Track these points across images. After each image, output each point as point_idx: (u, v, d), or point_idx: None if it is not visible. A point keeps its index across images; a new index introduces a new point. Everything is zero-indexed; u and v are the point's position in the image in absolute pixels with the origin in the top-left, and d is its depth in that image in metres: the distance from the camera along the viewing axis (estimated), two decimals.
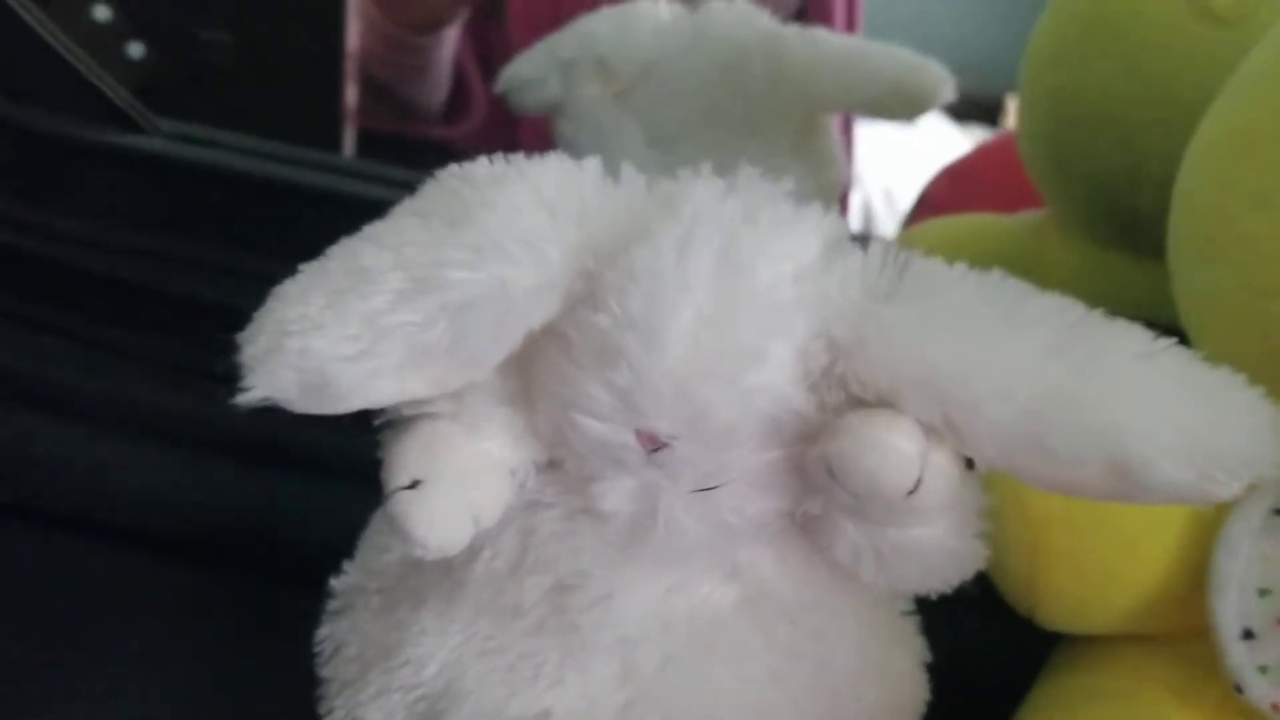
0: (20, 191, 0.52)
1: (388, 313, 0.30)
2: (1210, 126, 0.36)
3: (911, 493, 0.29)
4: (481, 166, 0.33)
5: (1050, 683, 0.41)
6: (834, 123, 0.68)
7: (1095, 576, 0.38)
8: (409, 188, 0.33)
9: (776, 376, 0.30)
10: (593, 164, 0.33)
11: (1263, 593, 0.35)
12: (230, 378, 0.30)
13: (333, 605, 0.38)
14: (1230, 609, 0.35)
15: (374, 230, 0.32)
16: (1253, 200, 0.34)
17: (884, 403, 0.29)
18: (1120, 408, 0.27)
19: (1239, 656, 0.35)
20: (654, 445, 0.30)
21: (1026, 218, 0.62)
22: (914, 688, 0.36)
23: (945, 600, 0.39)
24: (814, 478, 0.30)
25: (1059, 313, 0.29)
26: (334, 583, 0.38)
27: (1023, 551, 0.38)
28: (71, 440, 0.48)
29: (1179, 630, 0.38)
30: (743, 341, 0.29)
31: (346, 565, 0.38)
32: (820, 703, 0.34)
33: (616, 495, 0.32)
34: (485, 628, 0.34)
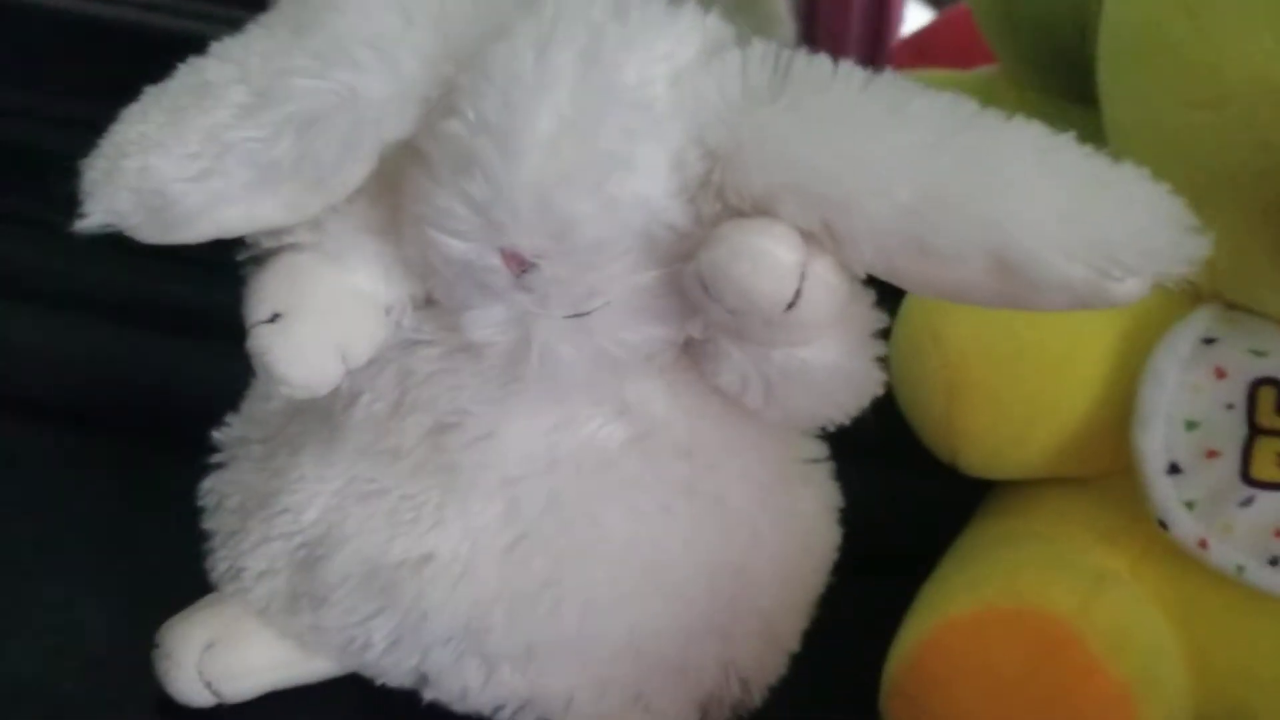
0: None
1: (230, 127, 0.28)
2: None
3: (791, 306, 0.27)
4: None
5: (974, 529, 0.39)
6: None
7: (1016, 412, 0.36)
8: None
9: (648, 186, 0.28)
10: None
11: (1190, 425, 0.34)
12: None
13: (215, 458, 0.36)
14: (1156, 442, 0.34)
15: (221, 45, 0.30)
16: (1180, 4, 0.32)
17: (762, 212, 0.27)
18: (1005, 199, 0.25)
19: (1164, 491, 0.33)
20: (521, 266, 0.28)
21: (980, 73, 0.60)
22: (820, 529, 0.35)
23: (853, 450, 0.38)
24: (692, 296, 0.28)
25: (950, 108, 0.27)
26: (216, 435, 0.36)
27: (939, 389, 0.36)
28: None
29: (1105, 470, 0.36)
30: (607, 146, 0.27)
31: (229, 417, 0.37)
32: (713, 538, 0.32)
33: (487, 324, 0.30)
34: (365, 470, 0.32)
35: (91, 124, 0.30)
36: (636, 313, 0.29)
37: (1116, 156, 0.35)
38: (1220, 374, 0.34)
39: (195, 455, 0.36)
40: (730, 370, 0.30)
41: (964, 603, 0.34)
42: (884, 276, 0.27)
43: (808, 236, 0.27)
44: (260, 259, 0.31)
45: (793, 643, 0.35)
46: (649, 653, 0.32)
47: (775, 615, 0.34)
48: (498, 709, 0.33)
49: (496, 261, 0.28)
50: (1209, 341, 0.34)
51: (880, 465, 0.39)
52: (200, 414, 0.37)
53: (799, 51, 0.28)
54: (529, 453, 0.31)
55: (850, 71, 0.28)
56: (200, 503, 0.36)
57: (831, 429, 0.33)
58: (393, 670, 0.33)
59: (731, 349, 0.29)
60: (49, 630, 0.38)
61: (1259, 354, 0.33)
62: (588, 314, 0.29)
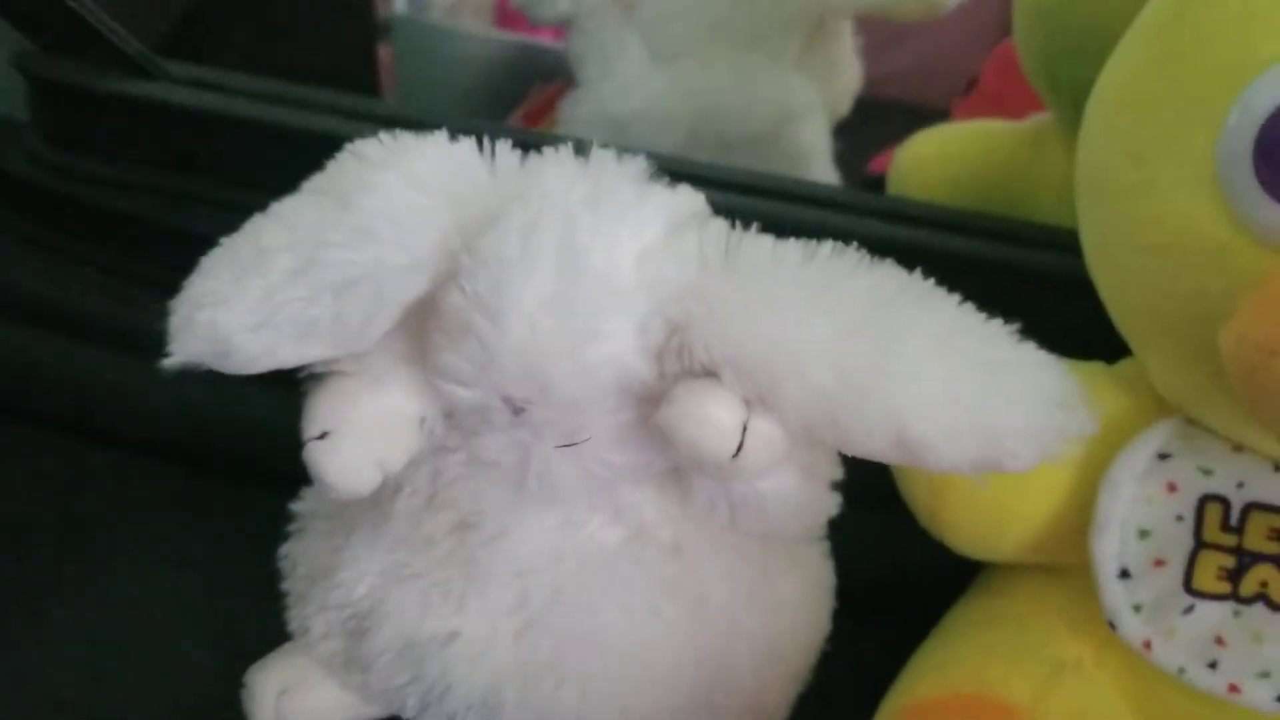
0: (50, 137, 0.57)
1: (280, 289, 0.34)
2: (1101, 77, 0.36)
3: (735, 456, 0.31)
4: (372, 145, 0.35)
5: (961, 605, 0.43)
6: (848, 28, 0.68)
7: (989, 511, 0.39)
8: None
9: (618, 349, 0.32)
10: (467, 144, 0.35)
11: (1143, 534, 0.36)
12: None
13: (292, 526, 0.42)
14: (1110, 548, 0.37)
15: (279, 207, 0.36)
16: (1128, 155, 0.34)
17: (710, 374, 0.31)
18: (904, 388, 0.29)
19: (1114, 594, 0.36)
20: (515, 409, 0.33)
21: (1030, 124, 0.62)
22: (805, 611, 0.39)
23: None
24: (660, 438, 0.33)
25: (868, 293, 0.31)
26: (293, 506, 0.42)
27: (921, 488, 0.40)
28: (94, 361, 0.54)
29: (1076, 562, 0.39)
30: (580, 322, 0.32)
31: (304, 491, 0.42)
32: (696, 630, 0.37)
33: (493, 447, 0.35)
34: (403, 556, 0.38)
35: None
36: (619, 444, 0.34)
37: (1095, 280, 0.38)
38: (1172, 488, 0.36)
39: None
40: (702, 494, 0.34)
41: (931, 684, 0.38)
42: (806, 440, 0.31)
43: (748, 399, 0.31)
44: (315, 378, 0.37)
45: (780, 713, 0.40)
46: None
47: (759, 691, 0.38)
48: None
49: (497, 402, 0.33)
50: (1163, 457, 0.37)
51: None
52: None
53: (747, 233, 0.33)
54: (537, 549, 0.36)
55: (790, 252, 0.32)
56: (279, 565, 0.42)
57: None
58: None
59: (699, 477, 0.34)
60: (156, 668, 0.44)
61: (1206, 472, 0.36)
62: (576, 444, 0.34)
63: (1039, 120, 0.61)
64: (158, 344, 0.35)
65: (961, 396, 0.29)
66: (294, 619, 0.41)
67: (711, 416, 0.31)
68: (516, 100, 0.84)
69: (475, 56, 0.88)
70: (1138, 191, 0.34)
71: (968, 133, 0.63)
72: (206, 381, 0.53)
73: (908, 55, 0.97)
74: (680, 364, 0.32)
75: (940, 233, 0.51)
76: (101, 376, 0.54)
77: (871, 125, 0.77)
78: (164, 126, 0.55)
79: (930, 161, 0.62)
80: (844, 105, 0.71)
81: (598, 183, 0.33)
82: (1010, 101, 0.67)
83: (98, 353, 0.54)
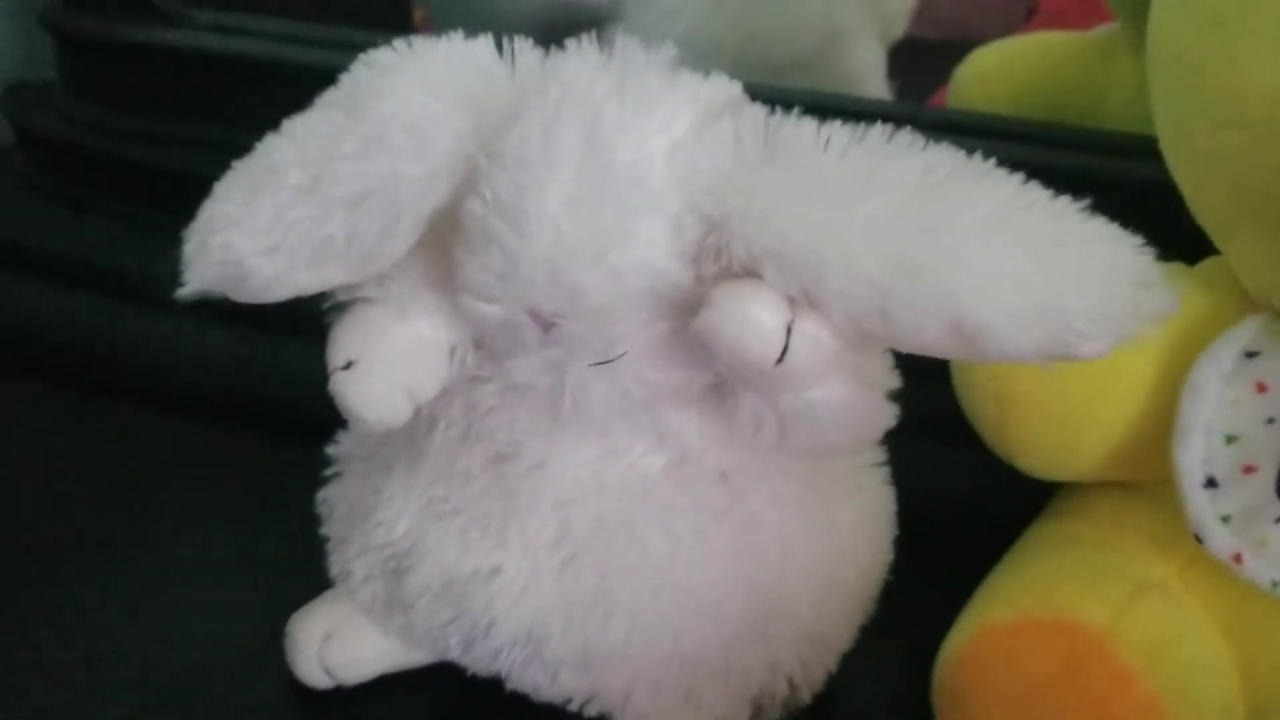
0: (79, 93, 0.56)
1: (291, 207, 0.32)
2: None
3: (780, 361, 0.29)
4: (384, 52, 0.33)
5: (1035, 528, 0.40)
6: None
7: (1063, 422, 0.37)
8: None
9: (650, 252, 0.30)
10: (484, 42, 0.33)
11: (1230, 439, 0.34)
12: None
13: (329, 470, 0.41)
14: (1194, 456, 0.34)
15: (290, 124, 0.34)
16: (1207, 21, 0.32)
17: (751, 274, 0.29)
18: (960, 270, 0.26)
19: (1200, 505, 0.34)
20: (545, 325, 0.31)
21: (1096, 35, 0.59)
22: (863, 541, 0.37)
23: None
24: (698, 349, 0.30)
25: (922, 172, 0.28)
26: (329, 450, 0.41)
27: (989, 400, 0.37)
28: (120, 315, 0.53)
29: (1158, 476, 0.36)
30: (608, 222, 0.29)
31: (339, 434, 0.41)
32: (746, 557, 0.35)
33: (526, 370, 0.33)
34: (441, 492, 0.36)
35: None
36: (656, 359, 0.32)
37: (1169, 163, 0.35)
38: (1261, 388, 0.34)
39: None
40: (745, 410, 0.32)
41: (1004, 610, 0.36)
42: (855, 339, 0.29)
43: (793, 298, 0.29)
44: (340, 308, 0.35)
45: (842, 643, 0.38)
46: (694, 659, 0.35)
47: (816, 621, 0.36)
48: (566, 701, 0.37)
49: (525, 319, 0.31)
50: (1251, 355, 0.34)
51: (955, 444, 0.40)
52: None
53: (787, 117, 0.30)
54: (577, 479, 0.34)
55: (834, 136, 0.29)
56: (318, 510, 0.41)
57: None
58: (474, 666, 0.37)
59: (743, 392, 0.32)
60: (198, 621, 0.43)
61: None
62: (611, 361, 0.32)
63: (1106, 29, 0.58)
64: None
65: (1024, 275, 0.26)
66: (334, 564, 0.40)
67: (753, 317, 0.28)
68: None
69: (513, 13, 0.86)
70: (1217, 61, 0.31)
71: (1031, 45, 0.60)
72: (239, 334, 0.53)
73: None
74: (719, 265, 0.30)
75: (1006, 143, 0.48)
76: (135, 333, 0.53)
77: (927, 66, 0.73)
78: (192, 75, 0.54)
79: (993, 76, 0.59)
80: (897, 27, 0.68)
81: (623, 73, 0.30)
82: (1074, 23, 0.63)
83: (130, 309, 0.53)
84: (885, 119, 0.50)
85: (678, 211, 0.30)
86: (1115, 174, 0.46)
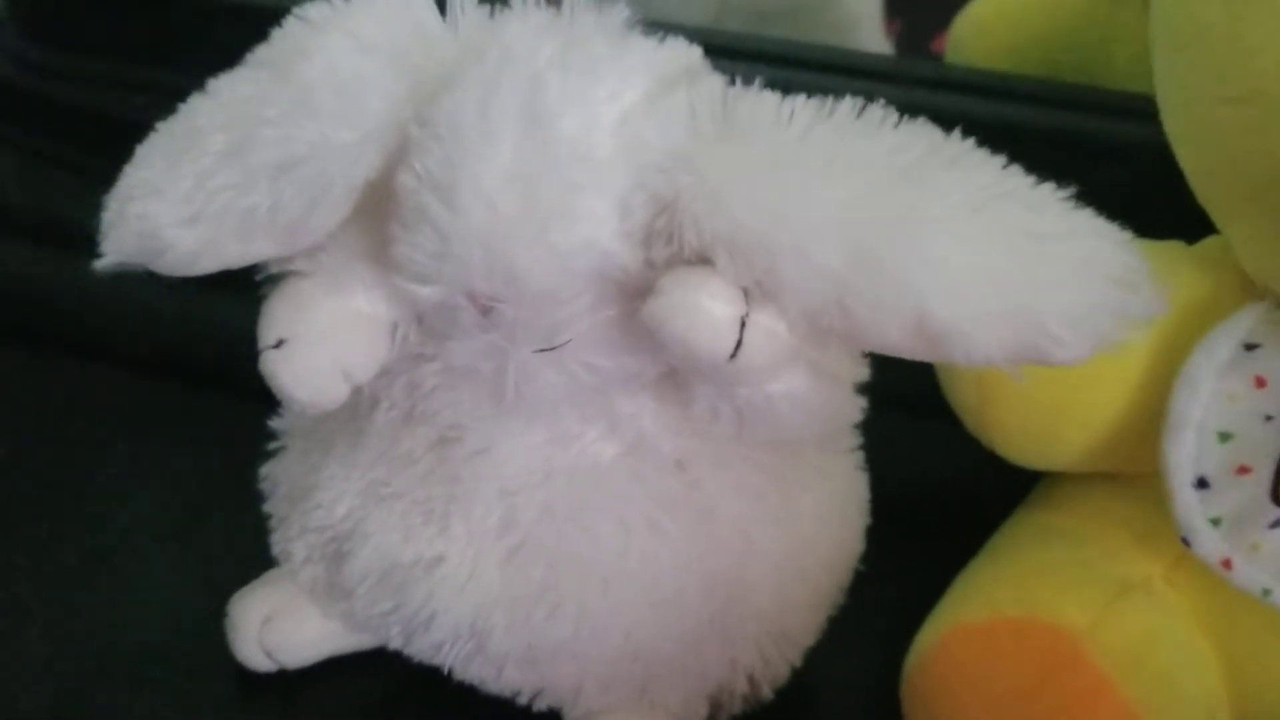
0: (31, 32, 0.53)
1: (212, 175, 0.29)
2: None
3: (734, 356, 0.26)
4: (318, 6, 0.31)
5: (1016, 518, 0.38)
6: None
7: (1047, 411, 0.35)
8: None
9: (595, 233, 0.27)
10: None
11: (1223, 436, 0.32)
12: None
13: (272, 445, 0.39)
14: (1184, 453, 0.32)
15: (216, 83, 0.31)
16: None
17: (703, 260, 0.27)
18: (926, 266, 0.24)
19: (1189, 506, 0.32)
20: (482, 306, 0.29)
21: None
22: (830, 530, 0.35)
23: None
24: (650, 337, 0.28)
25: (889, 156, 0.25)
26: (271, 423, 0.39)
27: (969, 385, 0.35)
28: (80, 272, 0.50)
29: (1145, 470, 0.34)
30: (548, 201, 0.27)
31: (282, 408, 0.39)
32: (704, 549, 0.32)
33: (466, 353, 0.31)
34: (383, 474, 0.34)
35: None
36: (605, 345, 0.29)
37: (1170, 137, 0.33)
38: (1260, 383, 0.31)
39: None
40: (700, 400, 0.30)
41: (977, 608, 0.34)
42: (813, 334, 0.26)
43: (746, 289, 0.26)
44: (273, 279, 0.33)
45: (806, 637, 0.36)
46: (648, 655, 0.33)
47: (779, 615, 0.34)
48: (515, 694, 0.35)
49: (462, 301, 0.29)
50: (1250, 347, 0.32)
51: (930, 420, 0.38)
52: None
53: (748, 91, 0.27)
54: (525, 465, 0.32)
55: (797, 111, 0.26)
56: (259, 486, 0.39)
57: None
58: (417, 657, 0.35)
59: (698, 382, 0.29)
60: (142, 594, 0.42)
61: None
62: (556, 349, 0.29)
63: None
64: None
65: (996, 272, 0.24)
66: (276, 543, 0.38)
67: (704, 309, 0.26)
68: None
69: None
70: (1223, 33, 0.29)
71: None
72: (192, 289, 0.50)
73: None
74: (670, 249, 0.27)
75: (998, 101, 0.46)
76: (90, 289, 0.51)
77: (930, 3, 0.70)
78: (159, 14, 0.50)
79: (993, 24, 0.56)
80: None
81: (569, 37, 0.28)
82: None
83: (80, 261, 0.51)
84: (867, 74, 0.48)
85: (625, 189, 0.27)
86: (1111, 136, 0.44)
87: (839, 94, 0.47)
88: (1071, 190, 0.26)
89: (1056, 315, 0.23)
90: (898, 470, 0.37)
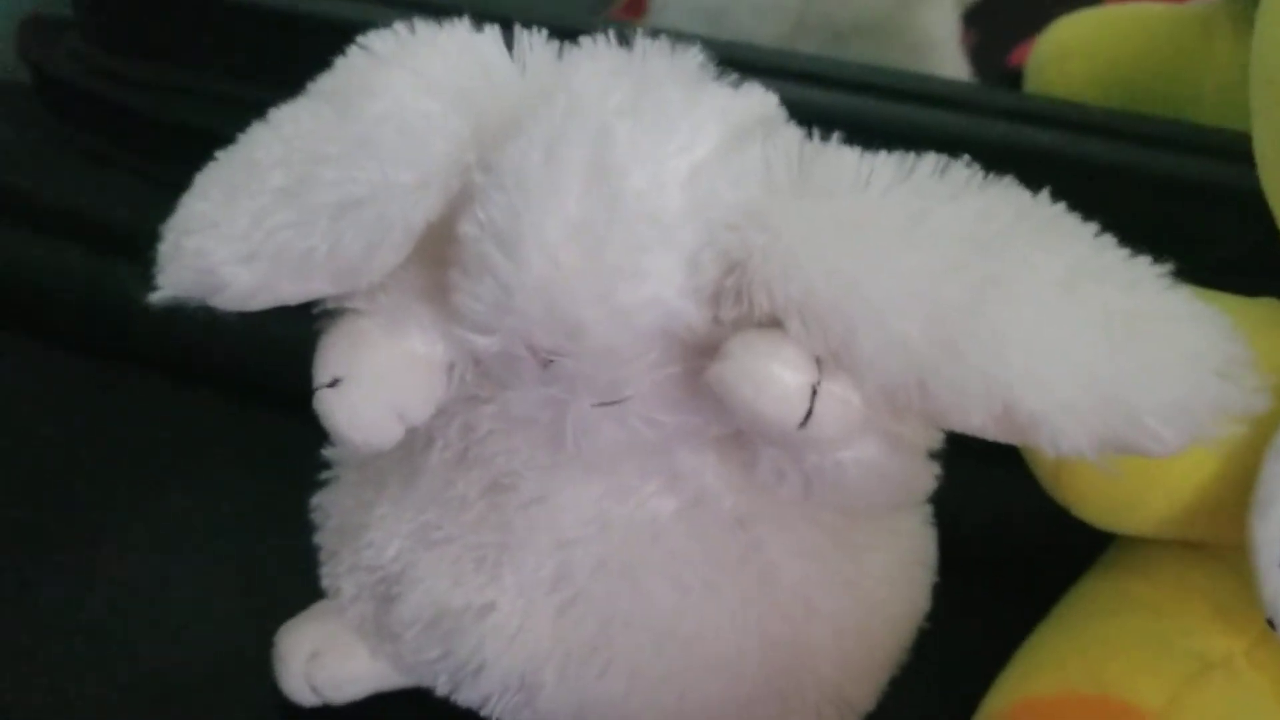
0: (99, 38, 0.53)
1: (270, 213, 0.29)
2: None
3: (803, 425, 0.25)
4: (383, 38, 0.30)
5: (1090, 580, 0.37)
6: None
7: (1128, 474, 0.33)
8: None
9: (661, 290, 0.26)
10: (492, 35, 0.29)
11: None
12: None
13: (326, 474, 0.38)
14: (1274, 530, 0.30)
15: (278, 114, 0.31)
16: None
17: (775, 322, 0.25)
18: (1012, 350, 0.22)
19: (1277, 587, 0.30)
20: (543, 359, 0.28)
21: (1194, 7, 0.53)
22: (896, 593, 0.33)
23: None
24: (715, 397, 0.27)
25: (975, 222, 0.24)
26: (325, 452, 0.38)
27: None
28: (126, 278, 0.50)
29: (1233, 542, 0.33)
30: (614, 257, 0.26)
31: None
32: (763, 612, 0.31)
33: (524, 404, 0.30)
34: (435, 517, 0.33)
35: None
36: (667, 401, 0.28)
37: (1267, 192, 0.31)
38: None
39: None
40: (764, 462, 0.29)
41: (1047, 680, 0.32)
42: (890, 413, 0.25)
43: (819, 357, 0.25)
44: (330, 314, 0.32)
45: (865, 703, 0.34)
46: (701, 718, 0.32)
47: (840, 681, 0.33)
48: None
49: (522, 353, 0.28)
50: None
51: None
52: None
53: (827, 145, 0.26)
54: (580, 518, 0.31)
55: (876, 170, 0.25)
56: (310, 516, 0.38)
57: None
58: (463, 705, 0.34)
59: (764, 446, 0.28)
60: (189, 622, 0.41)
61: None
62: (617, 402, 0.28)
63: (1203, 4, 0.53)
64: None
65: (1088, 359, 0.22)
66: (325, 576, 0.37)
67: (773, 377, 0.25)
68: None
69: None
70: None
71: (1121, 16, 0.55)
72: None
73: None
74: (739, 309, 0.26)
75: (1082, 136, 0.44)
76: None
77: (1012, 11, 0.68)
78: (227, 25, 0.50)
79: (1075, 51, 0.54)
80: None
81: (640, 83, 0.27)
82: None
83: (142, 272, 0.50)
84: (954, 103, 0.47)
85: (694, 247, 0.26)
86: (1203, 178, 0.42)
87: (916, 122, 0.46)
88: (1169, 265, 0.24)
89: (1153, 410, 0.22)
90: (964, 518, 0.35)
